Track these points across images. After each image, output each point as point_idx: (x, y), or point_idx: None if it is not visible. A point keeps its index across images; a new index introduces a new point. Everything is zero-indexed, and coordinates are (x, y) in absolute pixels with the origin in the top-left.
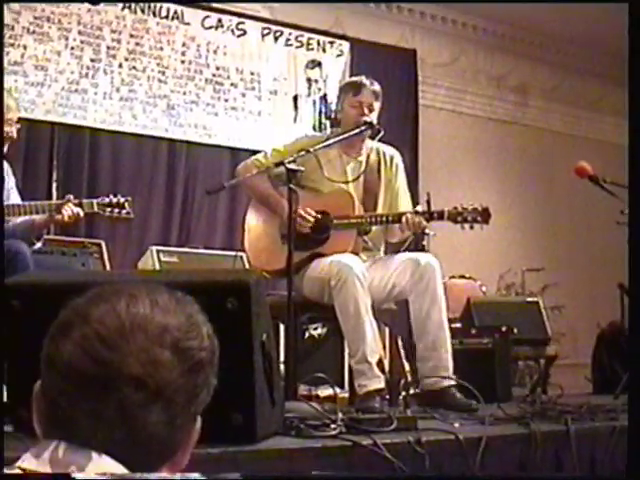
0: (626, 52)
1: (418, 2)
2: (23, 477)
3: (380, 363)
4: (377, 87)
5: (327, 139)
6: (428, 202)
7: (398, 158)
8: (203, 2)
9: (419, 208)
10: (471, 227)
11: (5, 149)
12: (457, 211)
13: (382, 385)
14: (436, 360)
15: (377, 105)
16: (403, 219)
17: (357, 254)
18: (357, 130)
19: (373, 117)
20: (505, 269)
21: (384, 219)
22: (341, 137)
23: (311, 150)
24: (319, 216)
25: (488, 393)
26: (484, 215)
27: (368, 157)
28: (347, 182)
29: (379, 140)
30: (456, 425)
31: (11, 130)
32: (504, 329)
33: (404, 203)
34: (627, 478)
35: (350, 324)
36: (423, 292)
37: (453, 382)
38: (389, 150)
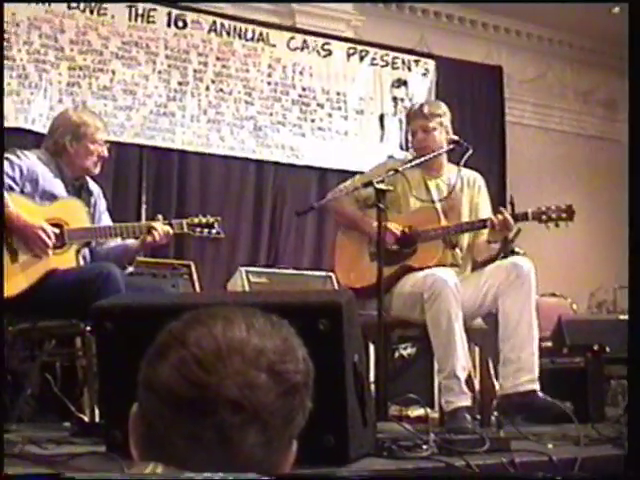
0: None
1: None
2: (24, 477)
3: (469, 380)
4: (428, 108)
5: (409, 161)
6: (512, 204)
7: (481, 181)
8: (215, 2)
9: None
10: (556, 225)
11: (98, 169)
12: (541, 210)
13: (469, 403)
14: (522, 362)
15: (433, 123)
16: (488, 223)
17: (443, 266)
18: (446, 149)
19: (434, 136)
20: (596, 286)
21: (470, 226)
22: (425, 158)
23: (399, 169)
24: (406, 229)
25: (581, 413)
26: (568, 212)
27: (450, 179)
28: (433, 202)
29: (467, 159)
30: (550, 446)
31: (102, 150)
32: (596, 348)
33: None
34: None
35: (441, 338)
36: (517, 292)
37: (537, 385)
38: (472, 174)
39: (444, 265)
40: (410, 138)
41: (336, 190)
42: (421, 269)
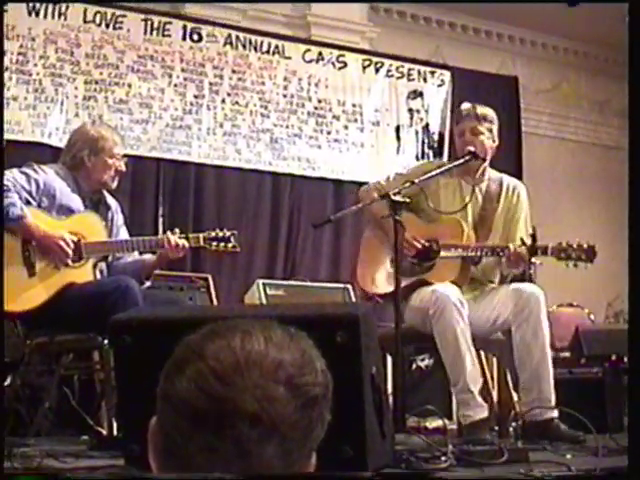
0: None
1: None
2: (24, 477)
3: (485, 391)
4: (481, 110)
5: (439, 166)
6: (533, 236)
7: (522, 191)
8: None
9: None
10: (575, 265)
11: (115, 183)
12: (561, 247)
13: (486, 414)
14: (537, 392)
15: (484, 127)
16: (506, 252)
17: (461, 284)
18: (461, 160)
19: (482, 140)
20: (613, 296)
21: (487, 252)
22: (444, 168)
23: (415, 181)
24: (426, 244)
25: (599, 423)
26: (589, 253)
27: (488, 186)
28: (463, 209)
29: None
30: (568, 457)
31: (120, 164)
32: (614, 358)
33: (522, 236)
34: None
35: (449, 353)
36: (525, 322)
37: (556, 413)
38: (513, 181)
39: (462, 282)
40: (456, 139)
41: (370, 187)
42: None
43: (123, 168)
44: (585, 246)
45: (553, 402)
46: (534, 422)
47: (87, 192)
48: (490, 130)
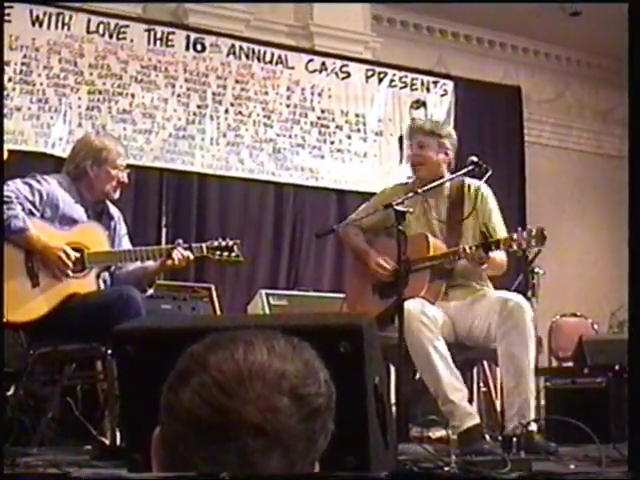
0: None
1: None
2: (23, 477)
3: (488, 401)
4: (429, 124)
5: (408, 184)
6: (483, 233)
7: (485, 190)
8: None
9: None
10: (528, 251)
11: (117, 194)
12: (512, 238)
13: (476, 421)
14: (518, 407)
15: (431, 141)
16: (457, 255)
17: (433, 296)
18: (464, 171)
19: (430, 155)
20: (617, 306)
21: (447, 256)
22: (430, 186)
23: (393, 204)
24: (390, 264)
25: (602, 433)
26: (538, 237)
27: (450, 195)
28: (431, 224)
29: (487, 180)
30: (572, 467)
31: (122, 175)
32: (617, 368)
33: (499, 230)
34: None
35: (423, 368)
36: (510, 332)
37: (532, 426)
38: (474, 183)
39: (435, 294)
40: (408, 153)
41: (346, 222)
42: None
43: (125, 179)
44: (534, 231)
45: (532, 415)
46: (511, 436)
47: (90, 202)
48: (440, 144)
